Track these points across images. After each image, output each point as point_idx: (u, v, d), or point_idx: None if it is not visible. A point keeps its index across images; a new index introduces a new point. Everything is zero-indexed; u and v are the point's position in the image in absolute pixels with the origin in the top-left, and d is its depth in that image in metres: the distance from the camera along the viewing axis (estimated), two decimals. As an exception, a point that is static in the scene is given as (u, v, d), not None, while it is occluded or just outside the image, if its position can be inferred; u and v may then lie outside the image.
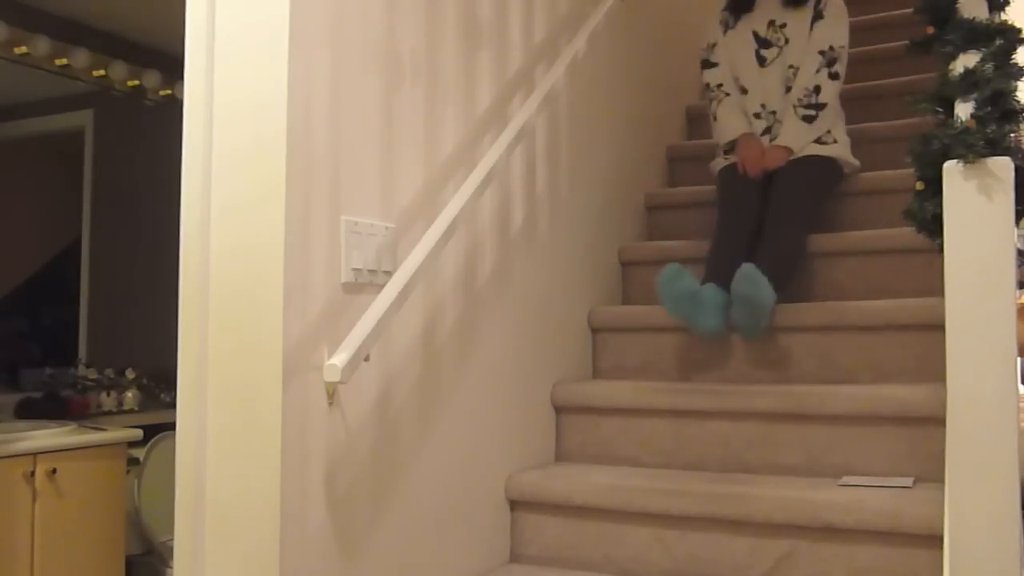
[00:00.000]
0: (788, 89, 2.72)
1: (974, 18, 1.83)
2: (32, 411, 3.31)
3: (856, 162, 2.75)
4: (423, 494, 1.88)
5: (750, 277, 2.20)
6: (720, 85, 2.81)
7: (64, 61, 3.68)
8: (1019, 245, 2.39)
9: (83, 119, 3.85)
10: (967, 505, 1.49)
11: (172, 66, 3.85)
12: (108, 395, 3.63)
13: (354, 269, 1.71)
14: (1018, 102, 1.64)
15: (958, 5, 1.89)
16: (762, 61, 2.76)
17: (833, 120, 2.69)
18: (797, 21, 2.73)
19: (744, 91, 2.79)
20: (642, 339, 2.56)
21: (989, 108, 1.61)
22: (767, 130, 2.74)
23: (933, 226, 1.63)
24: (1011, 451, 1.47)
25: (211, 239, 1.63)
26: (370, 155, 1.77)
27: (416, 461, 1.86)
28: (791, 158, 2.64)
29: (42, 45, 3.56)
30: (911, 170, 1.69)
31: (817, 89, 2.65)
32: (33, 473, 2.83)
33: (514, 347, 2.24)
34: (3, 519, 2.75)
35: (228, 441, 1.59)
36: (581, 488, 2.12)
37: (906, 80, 3.11)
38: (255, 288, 1.58)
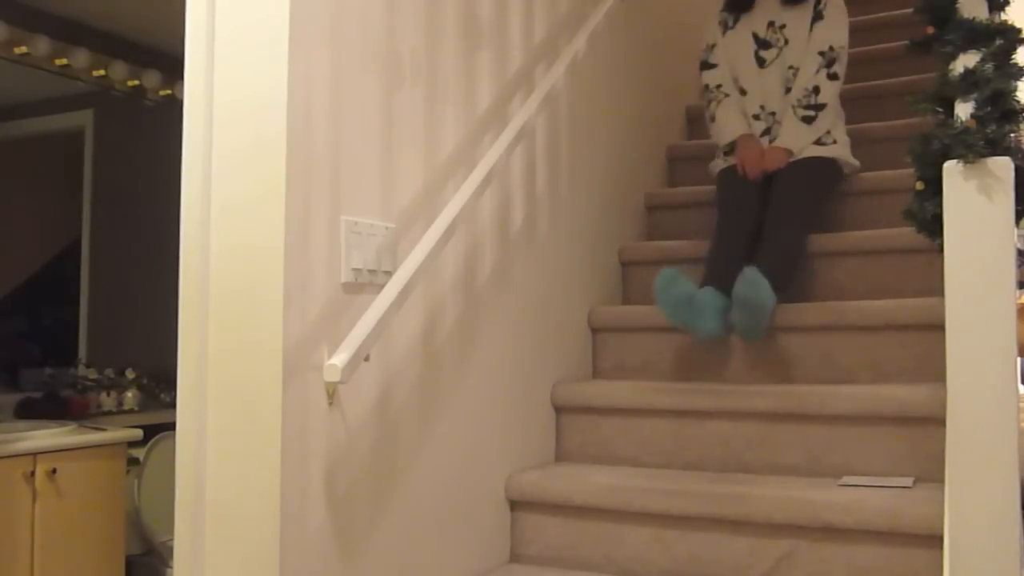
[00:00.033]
0: (788, 90, 2.72)
1: (974, 18, 1.83)
2: (32, 411, 3.32)
3: (856, 162, 2.75)
4: (423, 494, 1.88)
5: (752, 281, 2.19)
6: (719, 86, 2.80)
7: (64, 61, 3.68)
8: (1019, 245, 2.40)
9: (83, 119, 3.85)
10: (967, 505, 1.49)
11: (172, 66, 3.85)
12: (108, 395, 3.63)
13: (354, 269, 1.71)
14: (1018, 102, 1.64)
15: (958, 5, 1.89)
16: (761, 62, 2.76)
17: (833, 120, 2.69)
18: (796, 22, 2.73)
19: (743, 92, 2.79)
20: (642, 339, 2.56)
21: (989, 108, 1.61)
22: (766, 131, 2.74)
23: (933, 226, 1.63)
24: (1011, 451, 1.47)
25: (211, 239, 1.63)
26: (370, 155, 1.77)
27: (416, 461, 1.86)
28: (791, 159, 2.64)
29: (42, 45, 3.56)
30: (911, 170, 1.69)
31: (816, 90, 2.65)
32: (33, 473, 2.83)
33: (514, 347, 2.24)
34: (3, 519, 2.75)
35: (228, 441, 1.59)
36: (581, 488, 2.12)
37: (906, 80, 3.11)
38: (255, 288, 1.58)
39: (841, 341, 2.32)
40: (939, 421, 1.87)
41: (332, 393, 1.64)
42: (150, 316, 3.77)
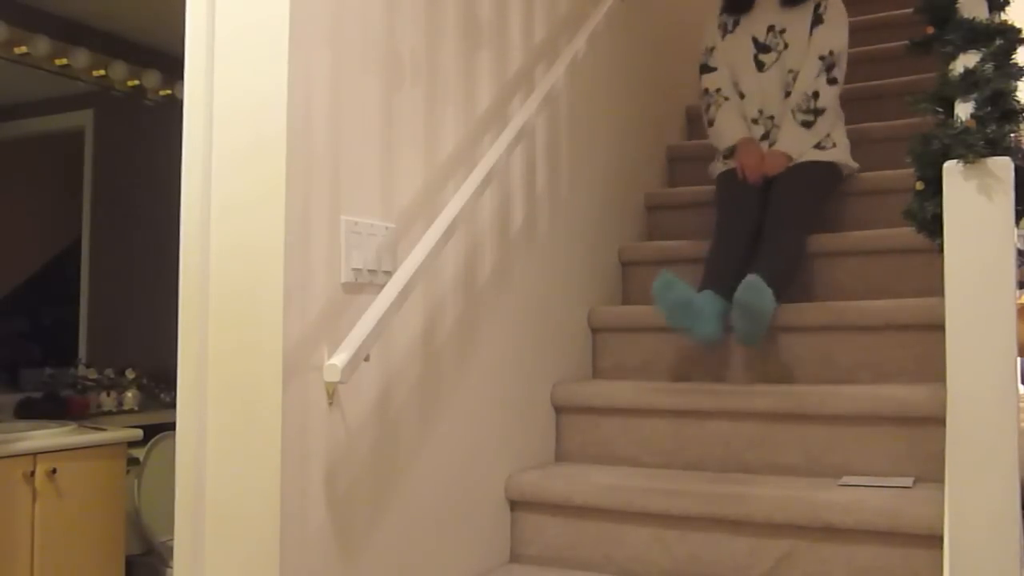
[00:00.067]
0: (787, 94, 2.71)
1: (974, 18, 1.83)
2: (32, 411, 3.32)
3: (855, 165, 2.74)
4: (423, 494, 1.88)
5: (755, 287, 2.18)
6: (719, 90, 2.79)
7: (64, 61, 3.68)
8: (1019, 245, 2.40)
9: (83, 119, 3.85)
10: (967, 505, 1.49)
11: (172, 66, 3.86)
12: (108, 395, 3.63)
13: (354, 269, 1.71)
14: (1018, 102, 1.64)
15: (958, 5, 1.89)
16: (760, 66, 2.75)
17: (832, 122, 2.69)
18: (796, 25, 2.72)
19: (742, 96, 2.78)
20: (642, 339, 2.56)
21: (989, 108, 1.61)
22: (765, 135, 2.73)
23: (933, 226, 1.63)
24: (1011, 451, 1.47)
25: (211, 239, 1.63)
26: (370, 155, 1.77)
27: (416, 461, 1.87)
28: (790, 163, 2.63)
29: (42, 45, 3.56)
30: (911, 170, 1.69)
31: (816, 95, 2.64)
32: (33, 473, 2.83)
33: (514, 347, 2.24)
34: (3, 519, 2.75)
35: (228, 441, 1.59)
36: (581, 488, 2.12)
37: (906, 80, 3.12)
38: (255, 288, 1.58)
39: (841, 341, 2.32)
40: (939, 421, 1.87)
41: (332, 393, 1.64)
42: (150, 316, 3.78)
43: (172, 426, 1.84)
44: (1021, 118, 1.63)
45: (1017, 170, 1.53)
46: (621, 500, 2.07)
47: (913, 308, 2.24)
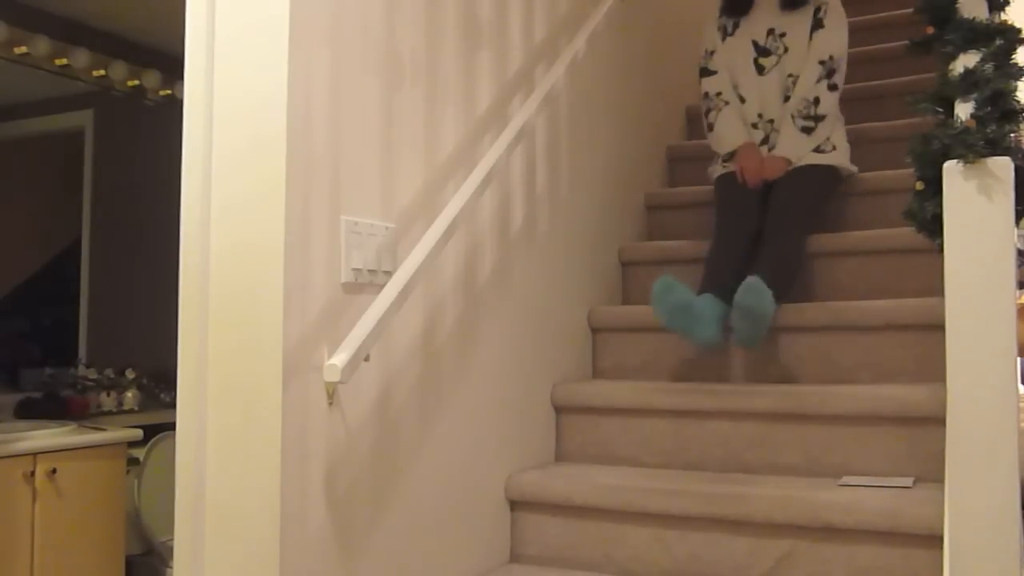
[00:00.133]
0: (786, 98, 2.71)
1: (974, 18, 1.83)
2: (32, 411, 3.32)
3: (854, 168, 2.74)
4: (423, 494, 1.88)
5: (756, 289, 2.17)
6: (719, 93, 2.78)
7: (64, 61, 3.68)
8: (1019, 245, 2.39)
9: (83, 119, 3.85)
10: (967, 505, 1.48)
11: (172, 66, 3.86)
12: (108, 395, 3.63)
13: (354, 269, 1.71)
14: (1018, 102, 1.64)
15: (958, 5, 1.89)
16: (760, 69, 2.74)
17: (832, 125, 2.68)
18: (796, 29, 2.71)
19: (742, 100, 2.78)
20: (642, 339, 2.56)
21: (989, 108, 1.61)
22: (764, 140, 2.73)
23: (933, 226, 1.63)
24: (1011, 451, 1.47)
25: (211, 239, 1.63)
26: (370, 155, 1.77)
27: (416, 461, 1.87)
28: (790, 167, 2.63)
29: (42, 45, 3.56)
30: (911, 170, 1.69)
31: (816, 101, 2.63)
32: (33, 473, 2.83)
33: (514, 347, 2.24)
34: (3, 519, 2.75)
35: (228, 441, 1.59)
36: (581, 488, 2.12)
37: (906, 80, 3.12)
38: (255, 288, 1.58)
39: (841, 341, 2.32)
40: (939, 421, 1.87)
41: (332, 393, 1.64)
42: (150, 316, 3.78)
43: (172, 426, 1.84)
44: (1021, 118, 1.63)
45: (1017, 170, 1.53)
46: (621, 500, 2.07)
47: (913, 308, 2.24)
